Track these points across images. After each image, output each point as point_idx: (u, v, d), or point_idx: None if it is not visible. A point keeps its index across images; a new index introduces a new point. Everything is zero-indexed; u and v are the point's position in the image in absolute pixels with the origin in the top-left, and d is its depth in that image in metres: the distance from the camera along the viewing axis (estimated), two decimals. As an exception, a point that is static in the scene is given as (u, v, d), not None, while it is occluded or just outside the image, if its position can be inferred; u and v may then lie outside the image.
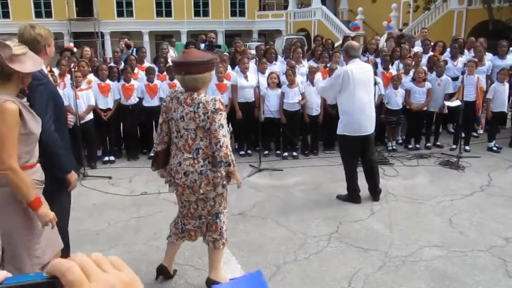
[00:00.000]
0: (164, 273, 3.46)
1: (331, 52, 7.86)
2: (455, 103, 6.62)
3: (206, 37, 10.44)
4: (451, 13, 19.69)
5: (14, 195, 2.45)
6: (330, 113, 7.04)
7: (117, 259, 0.58)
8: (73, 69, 6.08)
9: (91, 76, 6.55)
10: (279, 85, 6.71)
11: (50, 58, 3.11)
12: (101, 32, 30.95)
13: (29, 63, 2.40)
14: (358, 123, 4.86)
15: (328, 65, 7.12)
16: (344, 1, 29.37)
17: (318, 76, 5.55)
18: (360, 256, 3.86)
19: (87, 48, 7.51)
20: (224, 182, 3.07)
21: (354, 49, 4.92)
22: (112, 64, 7.32)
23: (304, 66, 7.38)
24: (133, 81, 6.73)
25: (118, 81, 6.68)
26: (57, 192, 2.98)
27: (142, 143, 7.21)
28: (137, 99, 6.73)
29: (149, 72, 6.74)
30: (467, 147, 7.07)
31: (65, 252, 3.01)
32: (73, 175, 3.06)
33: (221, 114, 2.95)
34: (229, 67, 7.36)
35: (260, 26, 34.54)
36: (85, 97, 6.28)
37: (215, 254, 3.31)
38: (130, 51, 8.36)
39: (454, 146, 7.11)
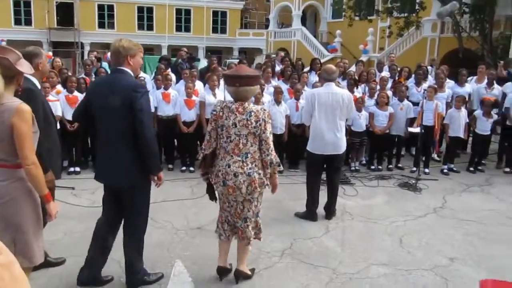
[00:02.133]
0: (224, 272, 3.71)
1: (300, 73, 8.06)
2: (417, 129, 6.88)
3: (184, 53, 10.52)
4: (424, 40, 20.35)
5: (27, 189, 2.71)
6: (295, 132, 7.24)
7: None
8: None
9: (59, 87, 6.58)
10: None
11: (136, 68, 3.34)
12: (81, 43, 30.88)
13: (26, 66, 2.75)
14: (321, 143, 5.02)
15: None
16: (324, 24, 30.06)
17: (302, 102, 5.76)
18: (309, 272, 3.97)
19: (58, 59, 7.57)
20: (267, 182, 3.47)
21: (327, 72, 5.07)
22: (83, 75, 7.36)
23: (272, 86, 7.56)
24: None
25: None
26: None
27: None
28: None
29: (89, 86, 6.79)
30: (426, 170, 7.32)
31: None
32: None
33: (269, 123, 3.38)
34: (197, 83, 7.51)
35: (241, 43, 35.02)
36: (53, 107, 6.27)
37: (247, 248, 3.67)
38: (99, 64, 8.40)
39: (414, 169, 7.34)
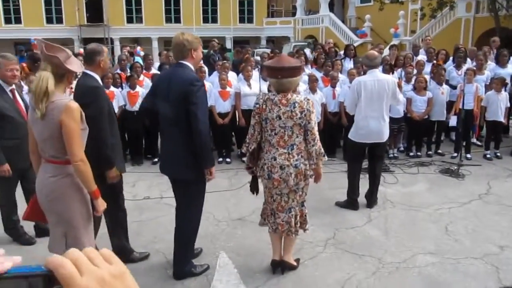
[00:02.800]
0: (278, 265, 3.69)
1: (334, 59, 7.93)
2: (451, 121, 6.71)
3: (216, 44, 10.48)
4: (458, 21, 19.70)
5: (76, 185, 2.80)
6: (331, 120, 7.15)
7: (107, 252, 0.62)
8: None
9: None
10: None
11: (198, 61, 3.50)
12: (111, 38, 31.32)
13: (76, 65, 2.80)
14: (366, 132, 4.94)
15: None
16: (352, 8, 29.46)
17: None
18: (354, 262, 3.93)
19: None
20: (311, 173, 3.46)
21: (369, 59, 4.96)
22: (118, 71, 7.47)
23: (306, 75, 7.46)
24: (138, 88, 6.88)
25: (122, 88, 6.83)
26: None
27: (146, 149, 7.34)
28: (142, 106, 6.84)
29: (154, 79, 6.87)
30: (468, 155, 7.11)
31: None
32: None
33: (314, 113, 3.35)
34: (230, 74, 7.51)
35: (268, 32, 34.73)
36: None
37: (293, 239, 3.66)
38: (133, 58, 8.50)
39: (455, 154, 7.15)
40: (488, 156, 7.17)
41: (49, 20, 31.54)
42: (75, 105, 2.67)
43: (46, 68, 2.66)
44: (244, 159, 6.71)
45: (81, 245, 2.80)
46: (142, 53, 19.10)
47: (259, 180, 3.60)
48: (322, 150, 3.44)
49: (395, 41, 21.55)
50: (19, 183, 4.35)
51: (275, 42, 34.60)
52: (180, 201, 3.58)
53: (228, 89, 6.95)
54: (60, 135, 2.66)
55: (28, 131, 2.88)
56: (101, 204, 2.91)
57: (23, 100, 4.22)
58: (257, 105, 3.40)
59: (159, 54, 8.58)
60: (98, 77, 3.44)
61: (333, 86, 7.06)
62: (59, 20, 31.64)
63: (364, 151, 5.09)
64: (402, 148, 7.68)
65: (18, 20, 30.65)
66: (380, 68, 7.38)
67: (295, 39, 30.01)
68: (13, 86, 4.10)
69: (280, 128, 3.31)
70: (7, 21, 30.57)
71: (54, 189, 2.77)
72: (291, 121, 3.29)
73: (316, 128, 3.38)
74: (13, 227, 4.38)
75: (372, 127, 4.87)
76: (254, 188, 3.68)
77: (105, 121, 3.30)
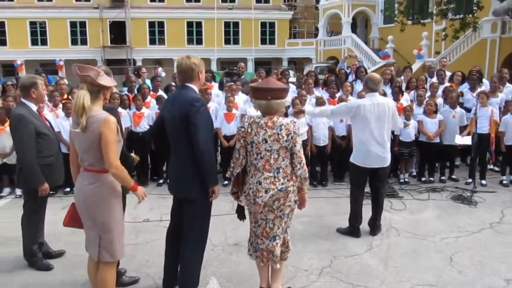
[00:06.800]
0: None
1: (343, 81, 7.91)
2: (465, 140, 6.52)
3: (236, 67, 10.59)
4: (483, 42, 19.45)
5: (112, 192, 3.14)
6: (339, 144, 7.08)
7: None
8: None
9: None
10: (286, 114, 6.81)
11: (202, 83, 3.67)
12: (133, 59, 32.14)
13: (107, 80, 3.15)
14: (366, 156, 4.86)
15: (338, 95, 7.19)
16: (375, 29, 29.50)
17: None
18: (348, 292, 3.83)
19: (63, 81, 7.95)
20: (296, 198, 3.43)
21: (373, 82, 4.88)
22: (125, 92, 7.63)
23: (314, 97, 7.45)
24: (144, 109, 6.99)
25: (130, 109, 6.96)
26: None
27: (152, 171, 7.41)
28: (147, 127, 6.95)
29: (159, 101, 6.99)
30: (483, 181, 6.92)
31: None
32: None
33: (299, 136, 3.37)
34: (241, 96, 7.57)
35: (290, 54, 35.04)
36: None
37: (281, 267, 3.61)
38: (142, 80, 8.66)
39: (469, 180, 6.96)
40: (504, 182, 6.96)
41: (74, 42, 32.65)
42: (112, 119, 3.05)
43: (83, 87, 3.05)
44: (226, 182, 6.77)
45: (113, 247, 3.20)
46: (163, 74, 19.57)
47: (245, 206, 3.56)
48: (307, 175, 3.41)
49: (418, 63, 21.43)
50: None
51: (297, 63, 34.86)
52: (185, 223, 3.56)
53: (234, 111, 7.00)
54: (99, 146, 3.02)
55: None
56: (141, 191, 3.28)
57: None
58: (242, 129, 3.39)
59: (173, 77, 8.66)
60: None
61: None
62: (84, 42, 32.72)
63: (366, 175, 5.00)
64: (414, 173, 7.54)
65: (44, 42, 31.80)
66: (390, 90, 7.40)
67: (316, 60, 30.13)
68: (40, 105, 4.43)
69: (266, 152, 3.31)
70: (34, 42, 31.75)
71: (91, 195, 3.11)
72: (278, 144, 3.28)
73: (302, 152, 3.36)
74: (32, 256, 4.34)
75: (372, 152, 4.79)
76: (240, 215, 3.65)
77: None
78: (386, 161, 4.92)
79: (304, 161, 3.38)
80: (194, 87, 3.45)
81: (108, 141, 3.00)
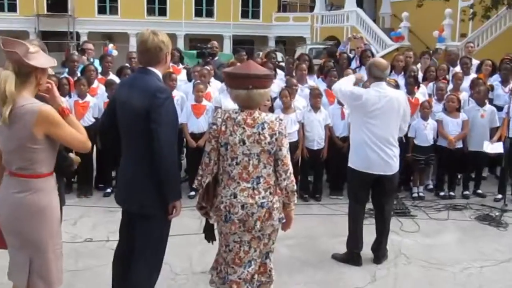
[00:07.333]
0: None
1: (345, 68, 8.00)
2: (495, 147, 6.65)
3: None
4: (520, 23, 19.90)
5: (46, 202, 3.09)
6: (340, 146, 7.13)
7: None
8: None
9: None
10: (271, 109, 6.85)
11: (167, 67, 3.67)
12: (77, 33, 31.87)
13: (43, 59, 3.05)
14: (369, 159, 4.92)
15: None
16: (387, 4, 29.85)
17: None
18: (345, 335, 3.89)
19: None
20: (281, 215, 3.44)
21: (378, 68, 4.94)
22: (65, 74, 7.57)
23: (308, 88, 7.52)
24: (89, 97, 6.98)
25: (70, 96, 6.91)
26: None
27: (97, 177, 7.39)
28: (93, 120, 6.93)
29: (109, 87, 6.96)
30: (516, 198, 7.10)
31: None
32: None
33: (286, 137, 3.39)
34: (215, 84, 7.59)
35: (279, 31, 35.21)
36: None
37: None
38: (90, 59, 8.61)
39: (499, 196, 7.13)
40: (542, 199, 7.13)
41: (0, 7, 32.20)
42: (48, 108, 2.97)
43: (8, 67, 2.94)
44: (192, 193, 6.78)
45: (49, 273, 3.13)
46: (115, 53, 19.31)
47: (214, 224, 3.58)
48: (295, 187, 3.45)
49: (440, 47, 21.78)
50: None
51: (287, 44, 35.05)
52: (138, 243, 3.55)
53: (204, 102, 7.02)
54: (31, 144, 2.95)
55: None
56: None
57: None
58: (214, 126, 3.38)
59: (128, 57, 8.59)
60: None
61: (342, 104, 7.08)
62: (12, 8, 32.33)
63: (368, 185, 5.06)
64: (431, 186, 7.67)
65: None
66: (403, 80, 7.49)
67: (312, 41, 30.39)
68: None
69: (244, 156, 3.32)
70: None
71: (20, 207, 3.03)
72: (258, 147, 3.30)
73: (289, 157, 3.40)
74: None
75: (374, 155, 4.86)
76: (209, 235, 3.67)
77: None
78: (392, 167, 4.98)
79: (291, 169, 3.41)
80: (158, 72, 3.45)
81: (62, 136, 3.02)
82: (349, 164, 5.09)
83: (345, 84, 5.18)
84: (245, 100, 3.36)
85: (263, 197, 3.34)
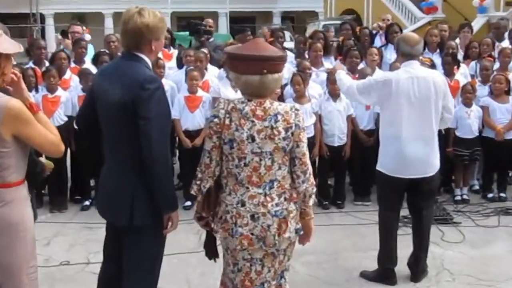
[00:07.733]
0: None
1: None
2: None
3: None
4: None
5: (19, 216, 3.07)
6: (366, 142, 7.12)
7: None
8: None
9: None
10: (281, 98, 6.84)
11: (157, 54, 3.67)
12: (40, 14, 31.90)
13: (7, 44, 3.01)
14: (404, 160, 4.92)
15: (361, 66, 7.24)
16: (415, -32, 29.80)
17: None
18: None
19: None
20: (298, 226, 3.42)
21: (407, 43, 4.94)
22: (31, 64, 7.58)
23: (325, 72, 7.51)
24: (60, 91, 6.99)
25: (38, 91, 6.91)
26: None
27: (73, 187, 7.41)
28: (65, 118, 6.94)
29: (83, 78, 6.96)
30: None
31: None
32: None
33: (305, 131, 3.38)
34: (212, 70, 7.60)
35: (285, 5, 35.18)
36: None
37: None
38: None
39: (561, 198, 7.12)
40: None
41: None
42: (17, 103, 2.95)
43: None
44: (188, 203, 6.78)
45: None
46: (88, 37, 19.28)
47: (218, 238, 3.56)
48: (314, 190, 3.44)
49: (480, 18, 21.69)
50: None
51: (296, 20, 35.01)
52: (126, 263, 3.55)
53: (200, 93, 7.03)
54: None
55: None
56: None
57: None
58: (216, 119, 3.33)
59: (106, 40, 8.58)
60: None
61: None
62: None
63: (402, 191, 5.06)
64: (477, 187, 7.67)
65: None
66: (439, 59, 7.47)
67: (325, 16, 30.33)
68: None
69: (253, 156, 3.28)
70: None
71: None
72: (271, 144, 3.26)
73: (307, 155, 3.38)
74: None
75: (410, 153, 4.84)
76: (211, 251, 3.65)
77: None
78: (433, 167, 4.99)
79: (310, 169, 3.39)
80: (146, 58, 3.42)
81: (31, 136, 3.00)
82: (378, 167, 5.10)
83: (350, 80, 5.27)
84: (258, 87, 3.30)
85: (277, 204, 3.30)
